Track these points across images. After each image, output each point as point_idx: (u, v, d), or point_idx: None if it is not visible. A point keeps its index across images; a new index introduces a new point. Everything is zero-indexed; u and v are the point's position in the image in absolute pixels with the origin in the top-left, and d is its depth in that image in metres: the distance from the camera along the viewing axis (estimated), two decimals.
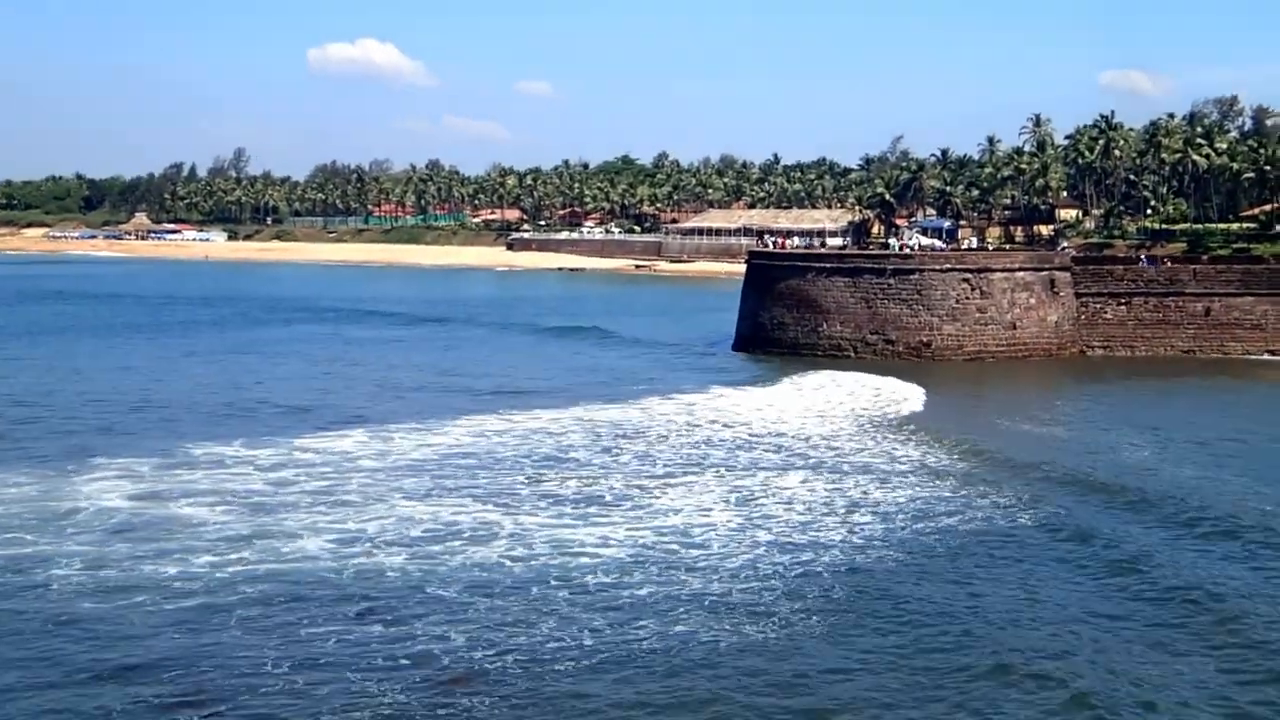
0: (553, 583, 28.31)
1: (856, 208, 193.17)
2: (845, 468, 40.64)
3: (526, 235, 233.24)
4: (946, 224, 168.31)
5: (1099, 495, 37.01)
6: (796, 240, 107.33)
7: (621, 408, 51.91)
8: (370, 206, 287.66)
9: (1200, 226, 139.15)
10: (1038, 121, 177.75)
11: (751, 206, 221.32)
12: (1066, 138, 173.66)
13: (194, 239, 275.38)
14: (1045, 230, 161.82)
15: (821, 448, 43.96)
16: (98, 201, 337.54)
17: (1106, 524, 33.73)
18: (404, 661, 23.73)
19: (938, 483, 38.42)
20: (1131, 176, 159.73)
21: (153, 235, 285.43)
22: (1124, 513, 35.05)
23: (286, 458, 40.59)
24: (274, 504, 34.64)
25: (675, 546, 31.29)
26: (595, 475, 38.85)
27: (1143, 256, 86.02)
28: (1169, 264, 78.83)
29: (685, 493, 36.75)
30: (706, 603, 27.01)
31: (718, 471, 39.79)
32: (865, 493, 37.01)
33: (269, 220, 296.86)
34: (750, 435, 46.37)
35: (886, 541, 31.95)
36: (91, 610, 26.19)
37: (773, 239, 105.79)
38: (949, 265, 71.39)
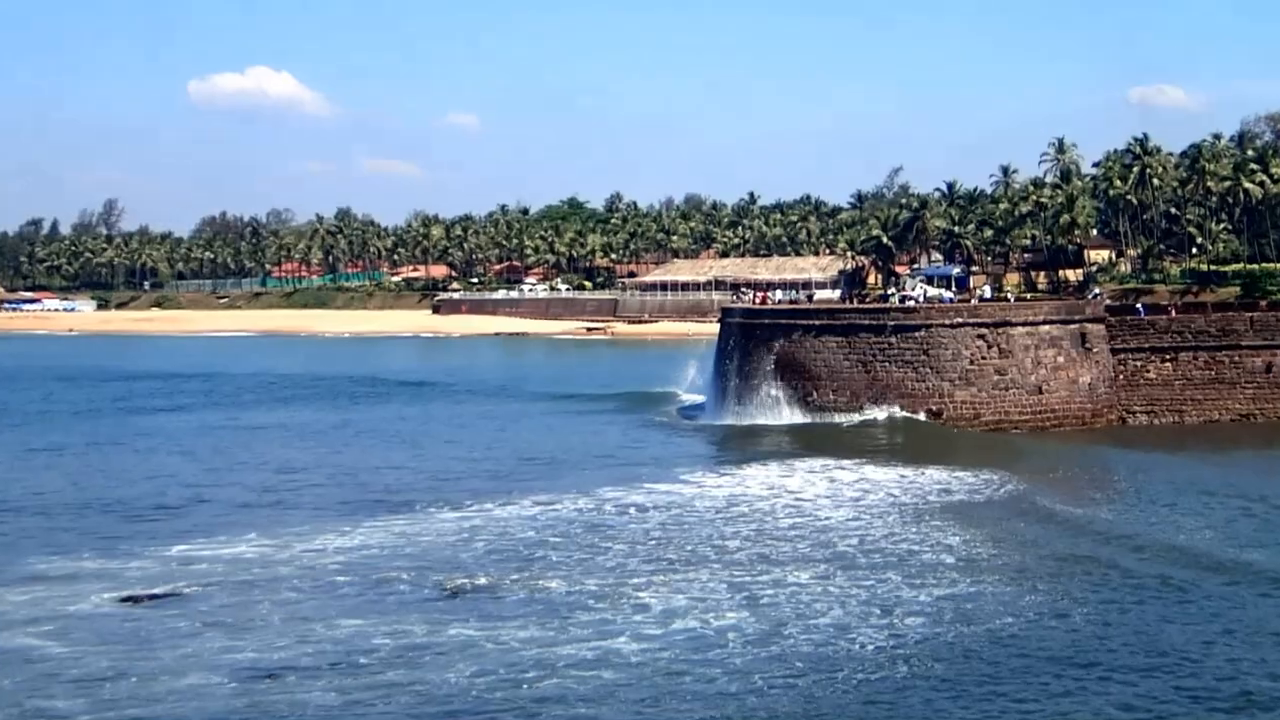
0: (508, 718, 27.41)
1: (848, 254, 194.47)
2: (866, 561, 40.40)
3: (456, 295, 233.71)
4: (956, 270, 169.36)
5: (1166, 593, 36.78)
6: (779, 294, 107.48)
7: (587, 497, 51.61)
8: (269, 266, 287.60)
9: (1256, 267, 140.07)
10: (1060, 147, 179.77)
11: (724, 255, 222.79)
12: (1094, 165, 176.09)
13: (58, 309, 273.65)
14: (1073, 275, 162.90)
15: (835, 537, 43.92)
16: None
17: (1172, 628, 33.43)
18: None
19: (978, 578, 38.19)
20: (1172, 209, 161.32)
21: (7, 305, 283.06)
22: (1191, 612, 34.80)
23: (164, 570, 39.44)
24: (149, 631, 33.33)
25: (672, 665, 30.54)
26: (574, 576, 38.55)
27: (1139, 306, 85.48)
28: (1174, 314, 78.68)
29: (684, 595, 36.37)
30: None
31: (719, 568, 39.54)
32: (896, 591, 36.71)
33: (147, 285, 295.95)
34: (749, 525, 46.24)
35: (927, 649, 31.47)
36: None
37: (750, 293, 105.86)
38: (961, 319, 71.29)
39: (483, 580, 38.17)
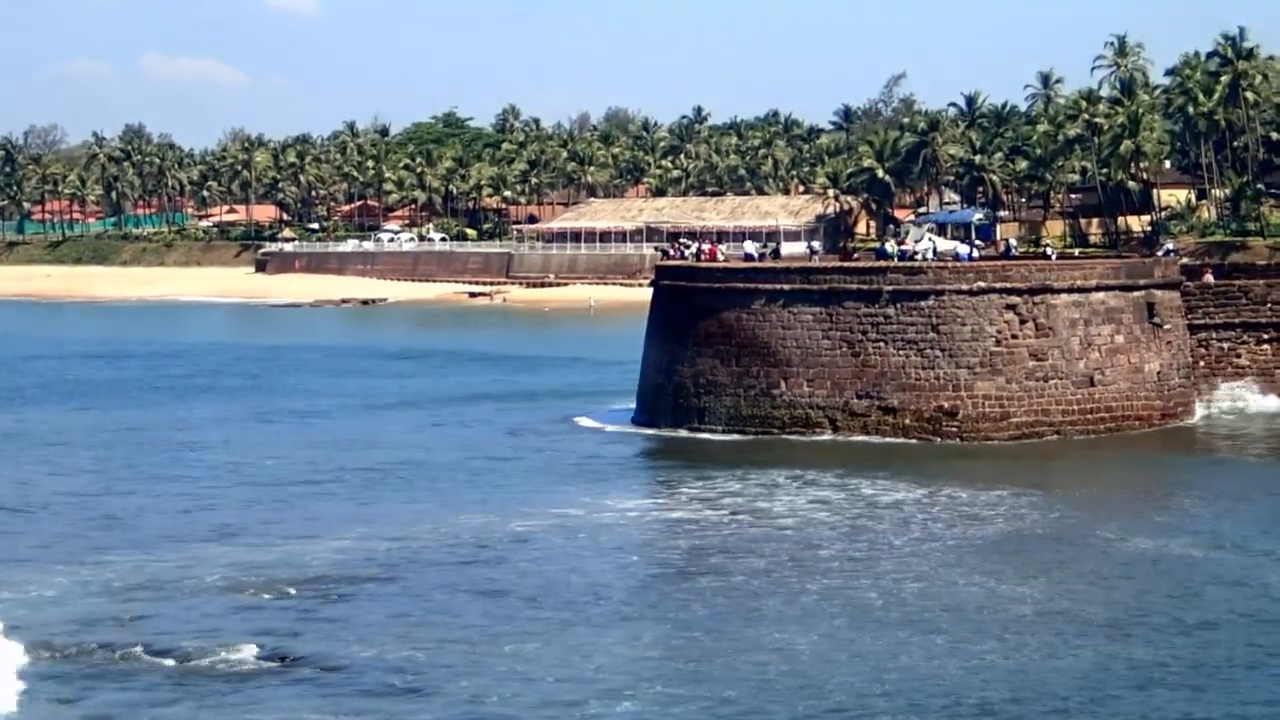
0: None
1: (830, 192, 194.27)
2: (894, 616, 40.44)
3: (289, 248, 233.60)
4: (977, 216, 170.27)
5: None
6: (749, 245, 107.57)
7: (441, 525, 51.63)
8: (28, 205, 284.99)
9: None
10: (1122, 48, 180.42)
11: (659, 194, 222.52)
12: (1168, 73, 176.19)
13: None
14: (1137, 224, 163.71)
15: (838, 582, 44.17)
16: None
17: None
18: None
19: (1047, 639, 38.40)
20: (1274, 134, 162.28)
21: None
22: None
23: None
24: None
25: None
26: (404, 636, 38.20)
27: (1177, 257, 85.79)
28: (1209, 276, 79.23)
29: (590, 662, 36.08)
30: None
31: (659, 625, 39.54)
32: (928, 658, 36.69)
33: None
34: (699, 563, 46.70)
35: None
36: None
37: (695, 245, 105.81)
38: (983, 284, 71.48)
39: (243, 653, 37.15)
